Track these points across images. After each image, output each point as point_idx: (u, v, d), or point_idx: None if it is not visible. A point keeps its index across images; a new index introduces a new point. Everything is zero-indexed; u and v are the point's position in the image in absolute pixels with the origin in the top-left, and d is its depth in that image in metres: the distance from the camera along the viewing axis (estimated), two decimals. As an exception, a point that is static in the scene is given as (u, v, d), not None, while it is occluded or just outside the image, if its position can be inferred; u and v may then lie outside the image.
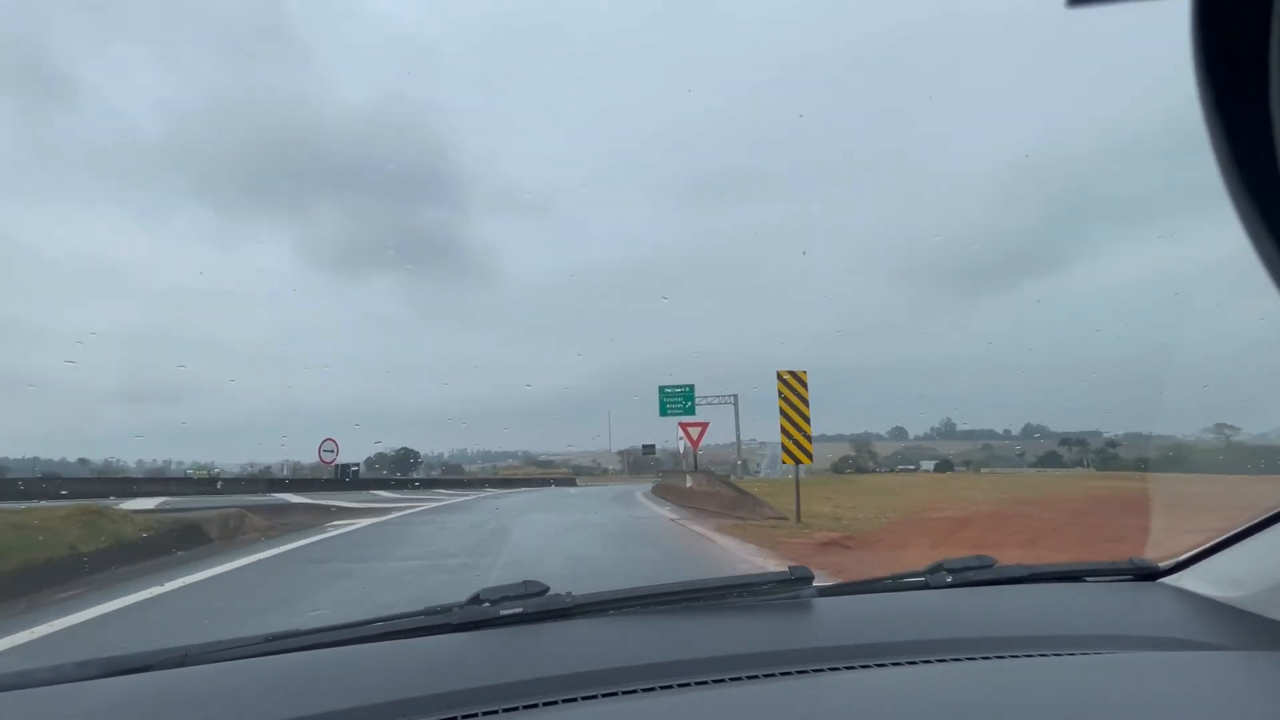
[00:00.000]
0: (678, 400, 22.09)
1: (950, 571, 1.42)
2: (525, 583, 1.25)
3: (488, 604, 1.21)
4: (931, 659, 1.08)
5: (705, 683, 1.00)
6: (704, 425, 19.51)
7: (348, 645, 1.15)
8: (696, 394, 22.13)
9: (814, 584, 1.33)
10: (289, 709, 0.92)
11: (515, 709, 0.93)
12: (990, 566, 1.45)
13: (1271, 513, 1.24)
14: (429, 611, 1.22)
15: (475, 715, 0.92)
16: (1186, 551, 1.42)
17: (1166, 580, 1.43)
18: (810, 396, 9.98)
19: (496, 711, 0.93)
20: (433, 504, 16.47)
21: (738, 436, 24.99)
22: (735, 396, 24.21)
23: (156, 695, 1.00)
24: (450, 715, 0.92)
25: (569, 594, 1.27)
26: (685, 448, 19.69)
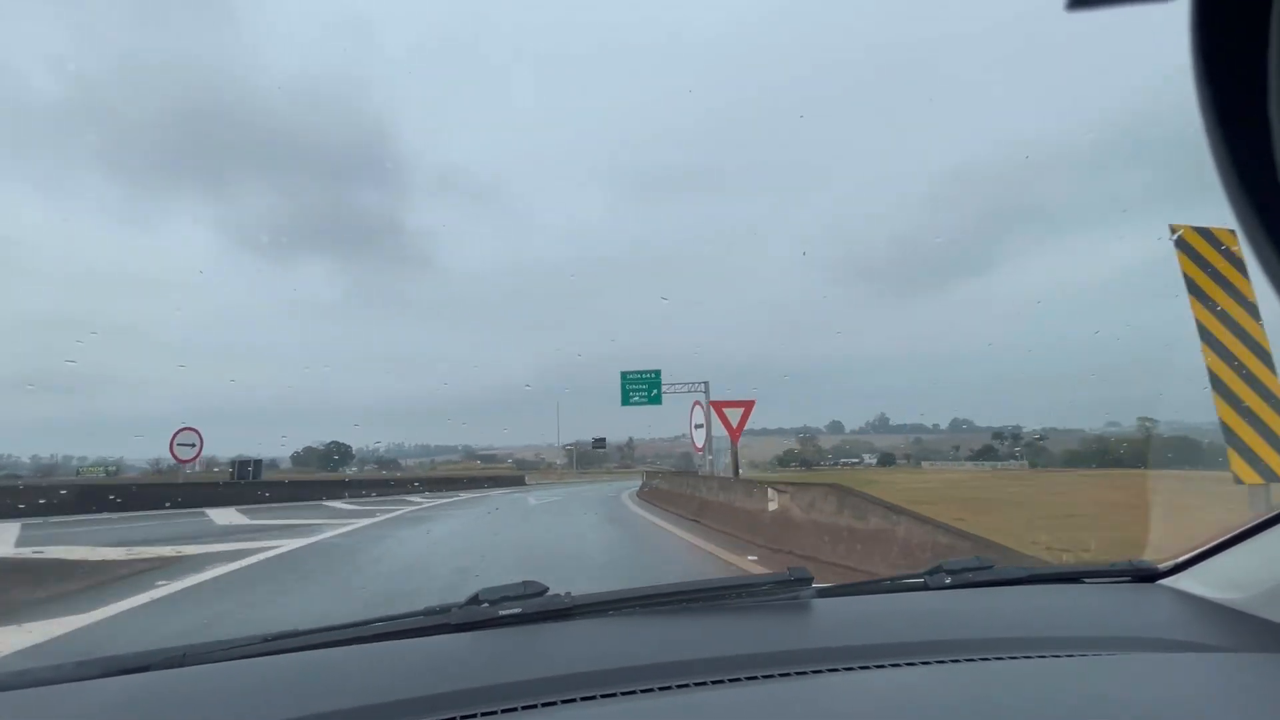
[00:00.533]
0: (642, 387, 20.19)
1: (949, 573, 1.43)
2: (525, 583, 1.25)
3: (487, 604, 1.21)
4: (931, 660, 1.08)
5: (705, 683, 0.99)
6: (749, 405, 13.00)
7: (347, 645, 1.14)
8: (663, 380, 20.19)
9: (813, 585, 1.33)
10: (289, 709, 0.90)
11: (514, 709, 0.92)
12: (990, 568, 1.46)
13: (1271, 514, 1.25)
14: (428, 612, 1.22)
15: (474, 715, 0.91)
16: (1186, 553, 1.42)
17: (1165, 582, 1.43)
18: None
19: (496, 712, 0.91)
20: (300, 541, 9.20)
21: (708, 427, 19.47)
22: (706, 383, 20.17)
23: (156, 695, 0.98)
24: (449, 715, 0.91)
25: (568, 594, 1.27)
26: (717, 438, 13.06)
